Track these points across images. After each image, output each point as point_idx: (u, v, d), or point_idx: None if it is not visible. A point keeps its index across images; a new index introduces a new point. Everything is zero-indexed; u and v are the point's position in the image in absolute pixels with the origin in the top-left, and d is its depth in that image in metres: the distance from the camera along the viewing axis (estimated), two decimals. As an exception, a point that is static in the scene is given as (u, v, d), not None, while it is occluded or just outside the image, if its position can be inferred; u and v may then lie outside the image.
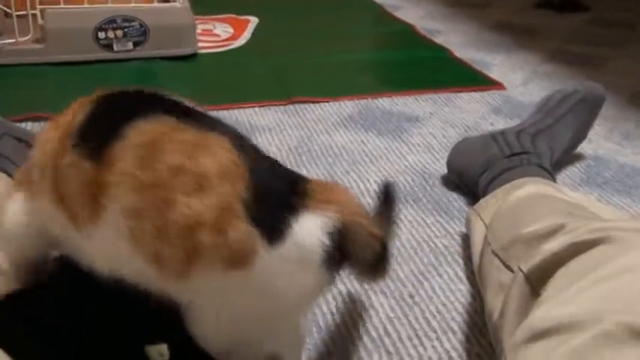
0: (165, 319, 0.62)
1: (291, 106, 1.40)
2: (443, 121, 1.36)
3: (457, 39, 1.90)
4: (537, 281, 0.60)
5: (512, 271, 0.67)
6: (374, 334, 0.78)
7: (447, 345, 0.77)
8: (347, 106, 1.41)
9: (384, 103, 1.44)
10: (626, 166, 1.20)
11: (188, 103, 0.63)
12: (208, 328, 0.61)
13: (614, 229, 0.58)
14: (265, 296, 0.58)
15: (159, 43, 1.63)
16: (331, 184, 0.63)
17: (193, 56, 1.68)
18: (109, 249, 0.59)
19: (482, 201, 0.92)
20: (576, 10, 2.22)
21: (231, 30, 1.92)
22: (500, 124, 1.34)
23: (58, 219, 0.62)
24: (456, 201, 1.07)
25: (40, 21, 1.60)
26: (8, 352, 0.58)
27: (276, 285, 0.57)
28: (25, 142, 1.03)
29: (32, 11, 1.55)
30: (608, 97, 1.18)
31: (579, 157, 1.21)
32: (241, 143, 0.59)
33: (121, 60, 1.61)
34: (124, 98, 0.63)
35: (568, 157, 1.17)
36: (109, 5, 1.61)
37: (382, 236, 0.63)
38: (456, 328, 0.79)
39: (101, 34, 1.60)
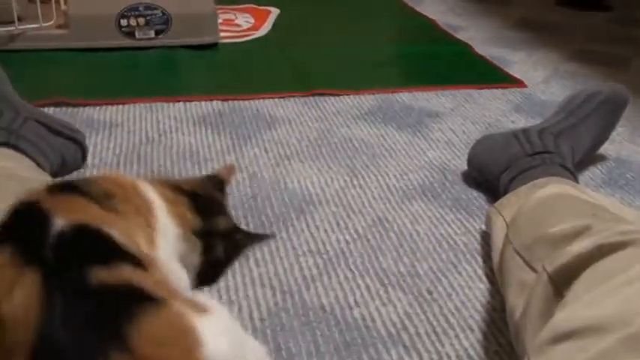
0: None
1: (311, 98, 1.40)
2: (463, 118, 1.35)
3: (478, 35, 1.89)
4: (562, 282, 0.60)
5: (535, 270, 0.67)
6: (392, 329, 0.78)
7: (466, 342, 0.77)
8: (367, 100, 1.41)
9: (405, 97, 1.43)
10: (648, 168, 1.19)
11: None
12: None
13: (641, 232, 0.57)
14: None
15: (181, 32, 1.64)
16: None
17: (214, 45, 1.69)
18: None
19: (503, 199, 0.91)
20: (598, 8, 2.21)
21: (252, 20, 1.92)
22: (522, 122, 1.34)
23: None
24: (476, 199, 1.06)
25: (63, 7, 1.61)
26: None
27: None
28: (48, 127, 1.04)
29: (56, -3, 1.56)
30: (630, 98, 1.17)
31: (601, 158, 1.21)
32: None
33: (142, 48, 1.62)
34: None
35: (590, 157, 1.16)
36: (132, -7, 1.61)
37: None
38: (474, 325, 0.79)
39: (123, 22, 1.60)
